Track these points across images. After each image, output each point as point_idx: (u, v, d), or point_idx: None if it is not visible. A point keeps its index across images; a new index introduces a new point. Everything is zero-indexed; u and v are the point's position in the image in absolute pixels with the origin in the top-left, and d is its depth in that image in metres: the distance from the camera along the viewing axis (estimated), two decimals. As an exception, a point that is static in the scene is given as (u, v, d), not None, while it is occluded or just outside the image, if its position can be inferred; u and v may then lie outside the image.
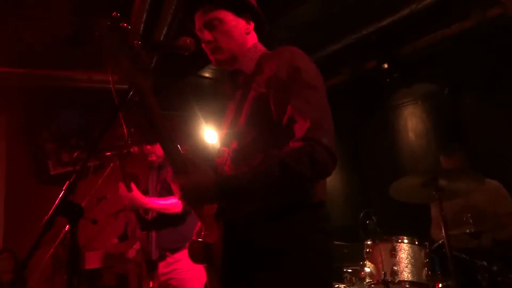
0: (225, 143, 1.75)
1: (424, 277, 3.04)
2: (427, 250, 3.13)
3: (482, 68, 4.59)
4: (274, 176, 1.42)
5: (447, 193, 3.15)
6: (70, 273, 1.25)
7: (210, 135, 6.17)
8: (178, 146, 1.55)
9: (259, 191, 1.48)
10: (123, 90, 1.50)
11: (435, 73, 5.09)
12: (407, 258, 3.08)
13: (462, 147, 3.97)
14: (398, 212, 4.17)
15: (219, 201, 1.55)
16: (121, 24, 1.51)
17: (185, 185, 1.47)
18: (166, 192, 3.50)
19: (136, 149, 3.51)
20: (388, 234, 3.25)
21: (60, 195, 1.28)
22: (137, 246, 4.15)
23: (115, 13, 1.50)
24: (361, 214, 3.56)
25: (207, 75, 5.81)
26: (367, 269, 3.20)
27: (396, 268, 3.04)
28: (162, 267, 3.51)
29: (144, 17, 4.32)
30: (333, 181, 5.58)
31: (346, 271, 3.53)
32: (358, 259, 3.41)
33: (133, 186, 3.35)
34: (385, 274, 3.05)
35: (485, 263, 3.14)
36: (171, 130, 1.57)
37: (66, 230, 1.66)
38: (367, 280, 3.19)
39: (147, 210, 3.58)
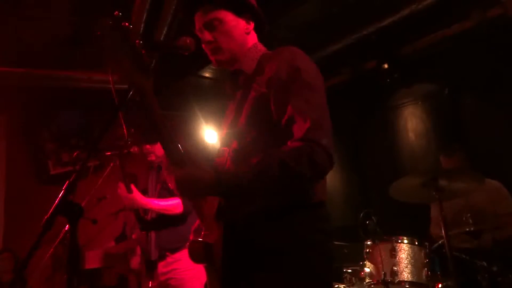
0: (225, 143, 1.75)
1: (424, 277, 3.04)
2: (427, 250, 3.13)
3: (482, 68, 4.59)
4: (274, 176, 1.43)
5: (447, 193, 3.14)
6: (70, 273, 1.25)
7: (210, 135, 6.16)
8: (179, 145, 1.55)
9: (259, 191, 1.49)
10: (123, 90, 1.50)
11: (435, 73, 5.08)
12: (407, 258, 3.07)
13: (462, 147, 3.97)
14: (398, 212, 4.17)
15: (219, 198, 1.55)
16: (122, 24, 1.50)
17: (181, 176, 1.48)
18: (166, 192, 3.49)
19: (136, 149, 3.51)
20: (388, 234, 3.24)
21: (60, 195, 1.28)
22: (138, 251, 4.14)
23: (117, 12, 1.50)
24: (361, 214, 3.55)
25: (207, 75, 5.80)
26: (367, 269, 3.20)
27: (396, 268, 3.04)
28: (161, 267, 3.51)
29: (144, 17, 4.31)
30: (333, 181, 5.58)
31: (346, 271, 3.53)
32: (358, 259, 3.41)
33: (133, 187, 3.35)
34: (385, 274, 3.05)
35: (485, 263, 3.14)
36: (171, 130, 1.57)
37: (66, 230, 1.66)
38: (367, 280, 3.18)
39: (146, 211, 3.58)
